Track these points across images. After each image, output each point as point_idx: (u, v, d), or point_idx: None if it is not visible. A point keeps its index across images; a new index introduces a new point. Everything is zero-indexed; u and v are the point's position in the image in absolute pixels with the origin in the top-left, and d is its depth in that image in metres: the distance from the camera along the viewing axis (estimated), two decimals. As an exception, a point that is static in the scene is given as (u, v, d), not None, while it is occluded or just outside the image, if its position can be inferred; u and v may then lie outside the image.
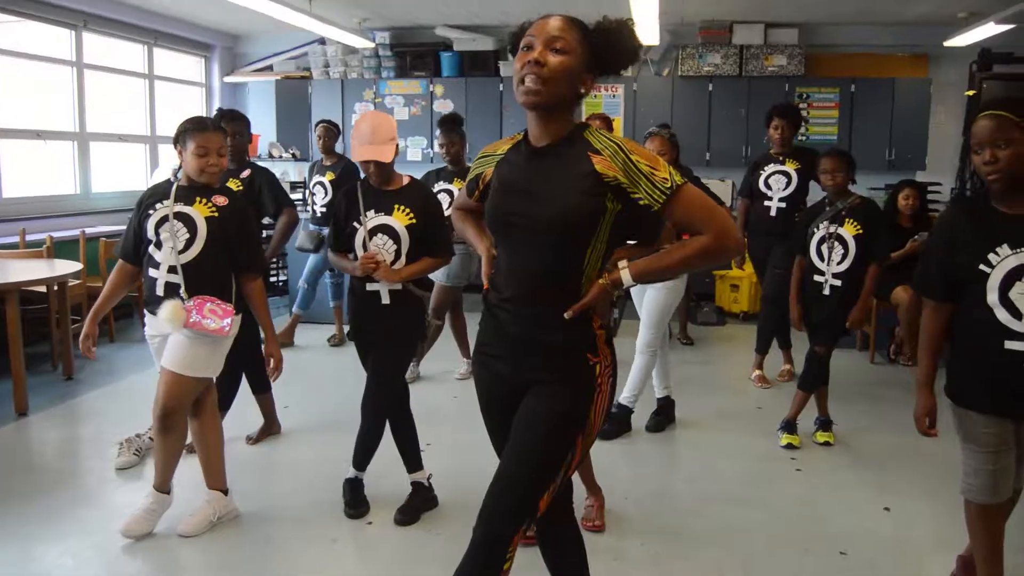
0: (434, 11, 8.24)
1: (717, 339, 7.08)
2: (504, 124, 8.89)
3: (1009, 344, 2.39)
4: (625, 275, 2.01)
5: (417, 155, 9.13)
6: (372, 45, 8.96)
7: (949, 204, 2.53)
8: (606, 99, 8.75)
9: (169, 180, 3.33)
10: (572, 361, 2.04)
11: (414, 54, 9.13)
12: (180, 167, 3.32)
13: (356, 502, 3.56)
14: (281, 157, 9.32)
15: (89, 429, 4.67)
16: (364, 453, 3.52)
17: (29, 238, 6.27)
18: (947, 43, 7.90)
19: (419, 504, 3.56)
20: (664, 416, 4.71)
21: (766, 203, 5.50)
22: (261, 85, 9.65)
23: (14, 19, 6.79)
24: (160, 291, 3.22)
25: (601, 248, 2.02)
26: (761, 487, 3.90)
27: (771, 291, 5.44)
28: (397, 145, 3.33)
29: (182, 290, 3.19)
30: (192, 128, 3.26)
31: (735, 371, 5.97)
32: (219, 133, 3.32)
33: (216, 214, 3.24)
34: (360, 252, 3.34)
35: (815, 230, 4.35)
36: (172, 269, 3.20)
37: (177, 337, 3.21)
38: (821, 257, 4.30)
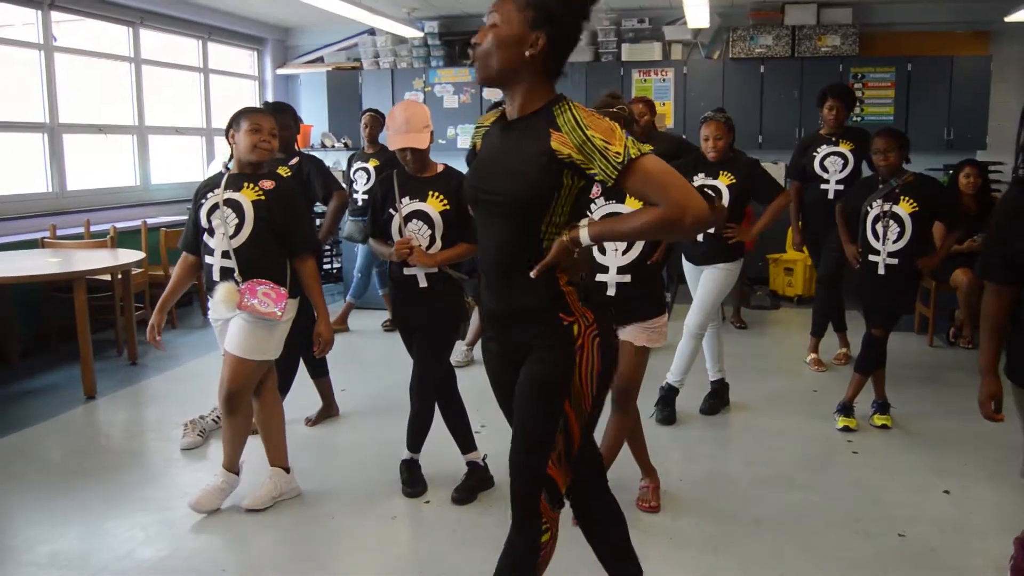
0: (482, -1, 8.27)
1: (771, 322, 7.02)
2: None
3: None
4: (583, 233, 2.00)
5: (467, 142, 9.16)
6: (421, 35, 9.02)
7: (1011, 184, 2.40)
8: (656, 83, 8.69)
9: (221, 172, 3.43)
10: (546, 323, 2.05)
11: (463, 42, 9.15)
12: (231, 158, 3.42)
13: (413, 481, 3.64)
14: (333, 147, 9.44)
15: (154, 412, 4.81)
16: (415, 436, 3.60)
17: (93, 228, 6.46)
18: (1008, 18, 7.69)
19: (475, 484, 3.62)
20: (718, 399, 4.70)
21: (823, 186, 5.39)
22: (312, 76, 9.77)
23: (74, 18, 6.98)
24: (216, 276, 3.32)
25: (560, 220, 2.03)
26: (817, 470, 3.87)
27: (827, 271, 5.39)
28: (432, 132, 3.41)
29: (236, 274, 3.29)
30: (245, 111, 3.38)
31: (790, 354, 5.92)
32: (271, 115, 3.45)
33: (263, 198, 3.32)
34: (396, 238, 3.42)
35: (868, 208, 4.30)
36: (225, 254, 3.29)
37: (237, 322, 3.30)
38: (876, 236, 4.24)
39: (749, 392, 4.89)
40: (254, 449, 3.65)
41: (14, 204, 6.35)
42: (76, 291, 4.85)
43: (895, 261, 4.19)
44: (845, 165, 5.37)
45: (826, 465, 3.93)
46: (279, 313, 3.28)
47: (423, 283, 3.42)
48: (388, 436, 4.10)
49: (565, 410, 2.04)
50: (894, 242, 4.18)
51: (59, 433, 4.45)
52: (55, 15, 6.69)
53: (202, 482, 3.57)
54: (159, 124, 7.99)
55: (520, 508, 2.10)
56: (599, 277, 3.17)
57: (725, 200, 4.26)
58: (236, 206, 3.31)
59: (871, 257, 4.28)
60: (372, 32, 9.31)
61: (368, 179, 6.30)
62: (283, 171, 4.20)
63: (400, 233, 3.42)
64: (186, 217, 3.63)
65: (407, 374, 3.57)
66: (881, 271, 4.23)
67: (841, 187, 5.34)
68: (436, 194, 3.41)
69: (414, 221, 3.41)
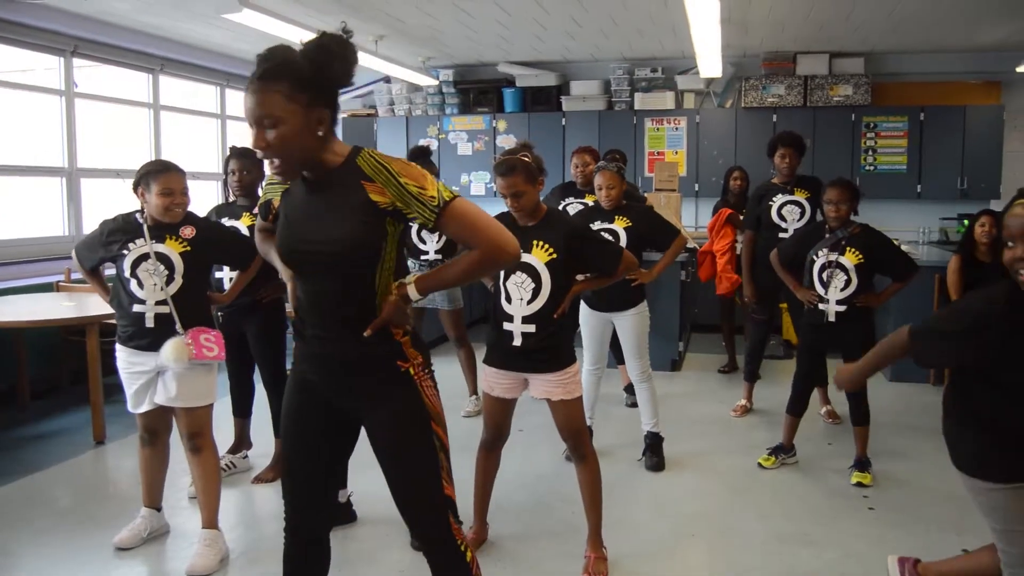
0: (497, 48, 8.36)
1: (784, 372, 6.96)
2: (566, 159, 8.93)
3: None
4: (411, 290, 2.09)
5: (481, 189, 9.23)
6: (436, 82, 9.14)
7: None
8: (669, 132, 8.76)
9: (134, 216, 3.44)
10: (386, 371, 2.14)
11: (477, 90, 9.27)
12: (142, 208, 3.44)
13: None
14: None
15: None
16: None
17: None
18: (1020, 68, 7.73)
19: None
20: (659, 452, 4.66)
21: (781, 235, 5.31)
22: (328, 123, 9.87)
23: (95, 64, 7.10)
24: (150, 323, 3.35)
25: (391, 266, 2.11)
26: (833, 526, 3.80)
27: (808, 324, 5.37)
28: None
29: (177, 324, 3.33)
30: (155, 170, 3.38)
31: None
32: (181, 174, 3.42)
33: (188, 248, 3.40)
34: None
35: (815, 257, 4.36)
36: (161, 302, 3.34)
37: (176, 375, 3.33)
38: (823, 284, 4.30)
39: (764, 443, 4.82)
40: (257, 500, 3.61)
41: (30, 247, 6.40)
42: (89, 335, 4.86)
43: (843, 308, 4.25)
44: (802, 214, 5.37)
45: (842, 521, 3.86)
46: (222, 354, 3.40)
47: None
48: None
49: (434, 430, 2.16)
50: (841, 290, 4.24)
51: (68, 478, 4.43)
52: (76, 61, 6.81)
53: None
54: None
55: (434, 538, 2.19)
56: (505, 326, 3.24)
57: (623, 244, 4.26)
58: (164, 258, 3.36)
59: (820, 306, 4.32)
60: (387, 80, 9.43)
61: None
62: (247, 219, 4.18)
63: None
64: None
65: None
66: (831, 318, 4.28)
67: None
68: None
69: None
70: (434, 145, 9.27)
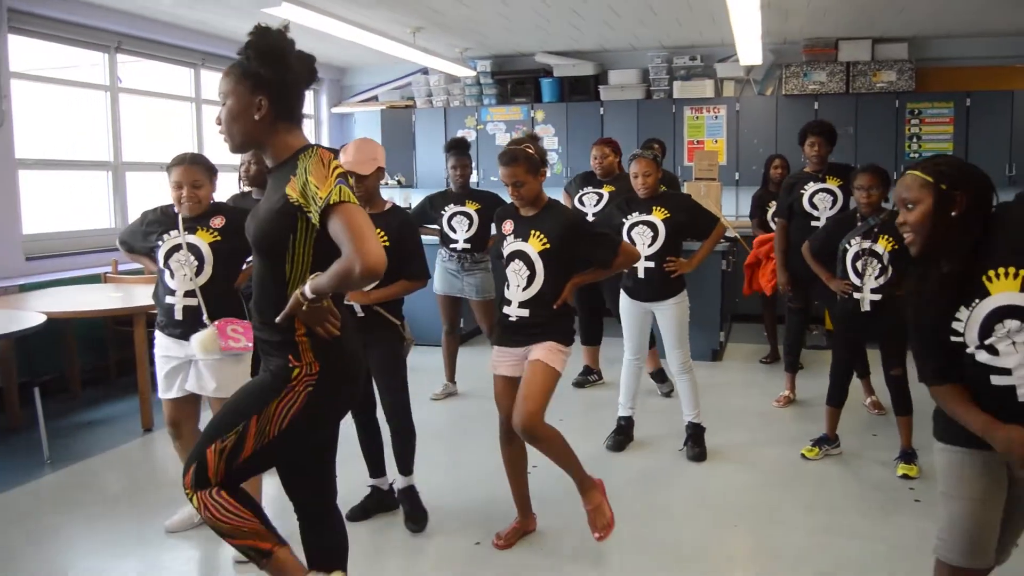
0: (534, 38, 8.35)
1: (827, 362, 6.87)
2: (605, 147, 8.91)
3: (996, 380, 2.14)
4: (306, 287, 2.14)
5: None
6: (473, 73, 9.14)
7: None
8: (708, 120, 8.68)
9: (171, 207, 3.51)
10: (276, 359, 2.25)
11: (515, 81, 9.26)
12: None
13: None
14: (387, 184, 9.55)
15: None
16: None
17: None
18: (1070, 53, 7.55)
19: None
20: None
21: (813, 223, 5.27)
22: (367, 115, 9.94)
23: (138, 59, 7.20)
24: (179, 315, 3.41)
25: (304, 262, 2.20)
26: (879, 518, 3.75)
27: (842, 314, 5.30)
28: (381, 168, 3.56)
29: (204, 315, 3.38)
30: (171, 163, 3.48)
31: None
32: (194, 167, 3.45)
33: (219, 238, 3.43)
34: None
35: (848, 246, 4.30)
36: (189, 294, 3.39)
37: (208, 364, 3.39)
38: (857, 274, 4.24)
39: (803, 434, 4.77)
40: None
41: (78, 239, 6.53)
42: (136, 325, 4.96)
43: (878, 297, 4.17)
44: (835, 202, 5.29)
45: (889, 514, 3.81)
46: (250, 345, 3.38)
47: (360, 313, 3.49)
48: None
49: (248, 422, 2.22)
50: (876, 278, 4.17)
51: (117, 465, 4.53)
52: (120, 57, 6.92)
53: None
54: (217, 162, 8.15)
55: (186, 466, 2.31)
56: (505, 309, 3.38)
57: (662, 235, 4.34)
58: (195, 249, 3.41)
59: (855, 295, 4.25)
60: (425, 71, 9.45)
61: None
62: None
63: None
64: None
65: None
66: (866, 308, 4.21)
67: None
68: (378, 231, 3.41)
69: None
70: (472, 136, 9.29)
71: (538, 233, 3.31)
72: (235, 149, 2.30)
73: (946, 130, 8.16)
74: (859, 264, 4.23)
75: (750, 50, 7.42)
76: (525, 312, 3.31)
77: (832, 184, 5.31)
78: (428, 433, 4.95)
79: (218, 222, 3.47)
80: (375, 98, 9.96)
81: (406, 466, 3.73)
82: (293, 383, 2.22)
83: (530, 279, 3.30)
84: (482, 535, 3.57)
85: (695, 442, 4.55)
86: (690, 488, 4.14)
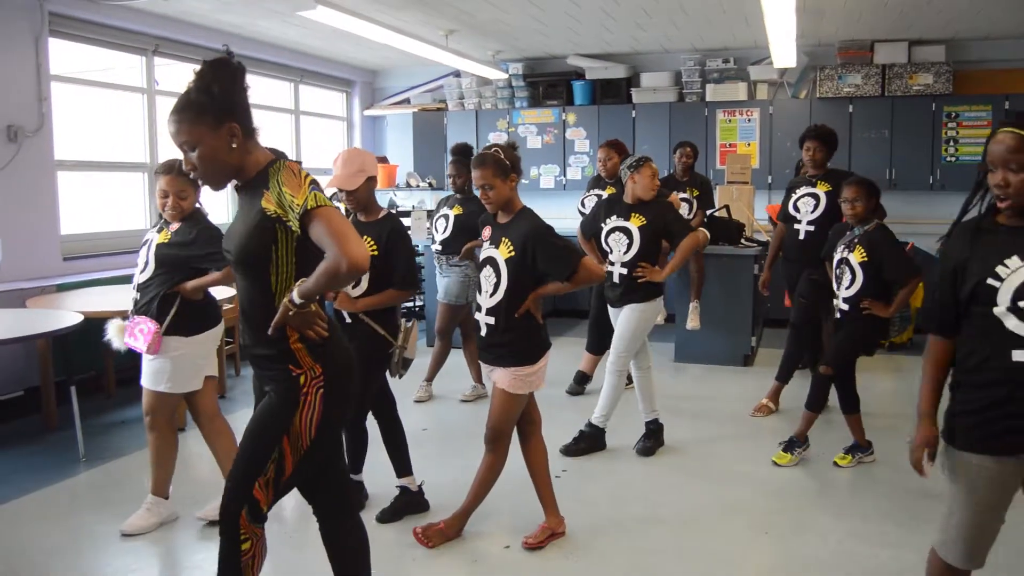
0: (566, 41, 8.35)
1: (861, 369, 6.80)
2: (637, 150, 8.88)
3: (1017, 355, 2.15)
4: (294, 294, 2.19)
5: (550, 183, 9.23)
6: (505, 76, 9.16)
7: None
8: (741, 123, 8.62)
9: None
10: (276, 372, 2.31)
11: (547, 84, 9.26)
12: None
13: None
14: (418, 186, 9.60)
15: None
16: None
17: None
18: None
19: (402, 506, 3.83)
20: (653, 440, 4.71)
21: (795, 226, 5.34)
22: (399, 117, 10.00)
23: (173, 62, 7.30)
24: (132, 307, 3.64)
25: (288, 271, 2.26)
26: (912, 527, 3.68)
27: (796, 319, 5.36)
28: (372, 178, 3.58)
29: (131, 309, 3.61)
30: (158, 170, 3.61)
31: (879, 403, 5.72)
32: (180, 178, 3.50)
33: (167, 239, 3.56)
34: None
35: (835, 253, 4.39)
36: (140, 286, 3.60)
37: (143, 357, 3.60)
38: (837, 282, 4.33)
39: (834, 442, 4.71)
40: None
41: (115, 240, 6.62)
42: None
43: (846, 307, 4.27)
44: (816, 206, 5.27)
45: (922, 522, 3.75)
46: (144, 349, 3.53)
47: (347, 319, 3.56)
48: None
49: (282, 445, 2.28)
50: (847, 288, 4.25)
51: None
52: (157, 60, 7.02)
53: (285, 516, 3.62)
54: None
55: (224, 514, 2.36)
56: (477, 315, 3.42)
57: (636, 241, 4.42)
58: (149, 247, 3.61)
59: (835, 301, 4.36)
60: (457, 74, 9.48)
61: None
62: None
63: None
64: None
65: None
66: (837, 315, 4.35)
67: (812, 228, 5.27)
68: (367, 238, 3.52)
69: None
70: (504, 139, 9.30)
71: (507, 241, 3.34)
72: (220, 187, 2.31)
73: (984, 133, 7.98)
74: (838, 272, 4.32)
75: (784, 52, 7.36)
76: (491, 319, 3.34)
77: (820, 189, 5.29)
78: (462, 433, 4.97)
79: (174, 227, 3.60)
80: (407, 101, 10.01)
81: (400, 467, 3.85)
82: (305, 391, 2.28)
83: (496, 286, 3.33)
84: (512, 539, 3.58)
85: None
86: (720, 495, 4.11)
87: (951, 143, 8.10)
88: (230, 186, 2.35)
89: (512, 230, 3.35)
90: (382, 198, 9.26)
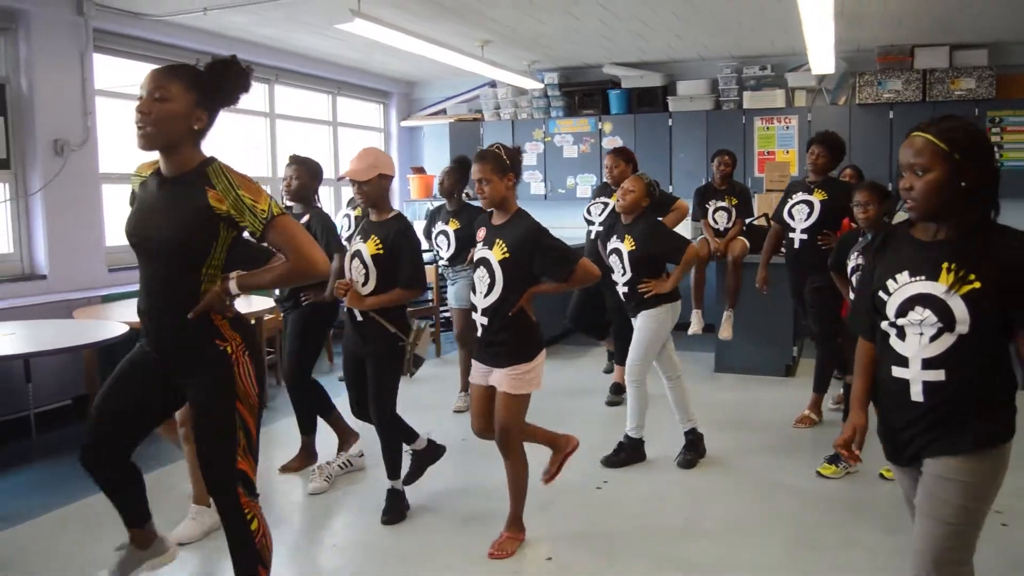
0: (602, 50, 8.34)
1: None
2: (674, 159, 8.85)
3: (896, 371, 2.20)
4: (232, 284, 2.43)
5: (586, 192, 9.21)
6: (541, 86, 9.17)
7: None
8: (779, 131, 8.55)
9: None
10: (204, 349, 2.46)
11: (582, 93, 9.26)
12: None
13: (396, 509, 3.90)
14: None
15: (283, 455, 4.91)
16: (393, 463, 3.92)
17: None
18: None
19: (402, 507, 3.93)
20: (694, 451, 4.66)
21: (790, 234, 5.28)
22: (435, 128, 10.05)
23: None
24: None
25: (218, 263, 2.44)
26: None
27: (816, 328, 5.28)
28: (384, 176, 3.72)
29: None
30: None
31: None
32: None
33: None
34: (347, 273, 3.78)
35: (848, 260, 4.30)
36: None
37: None
38: (853, 288, 4.21)
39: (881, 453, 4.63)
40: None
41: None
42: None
43: None
44: (810, 214, 5.19)
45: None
46: None
47: (359, 317, 3.73)
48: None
49: (238, 409, 2.47)
50: None
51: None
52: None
53: (328, 526, 3.63)
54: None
55: (221, 501, 2.52)
56: (473, 315, 3.48)
57: (627, 264, 4.45)
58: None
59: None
60: (493, 84, 9.52)
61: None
62: None
63: (349, 269, 3.76)
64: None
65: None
66: None
67: (805, 236, 5.20)
68: (375, 238, 3.66)
69: (355, 260, 3.73)
70: (539, 148, 9.33)
71: (501, 242, 3.40)
72: (150, 147, 2.38)
73: (1029, 139, 7.89)
74: (855, 279, 4.22)
75: (822, 59, 7.29)
76: (485, 320, 3.41)
77: (816, 197, 5.21)
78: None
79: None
80: (443, 111, 10.06)
81: (392, 471, 3.91)
82: (233, 357, 2.48)
83: (490, 287, 3.39)
84: (554, 549, 3.57)
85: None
86: (763, 506, 4.07)
87: (996, 148, 7.97)
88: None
89: (507, 232, 3.42)
90: (421, 209, 9.32)
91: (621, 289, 4.56)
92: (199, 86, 2.38)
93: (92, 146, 6.01)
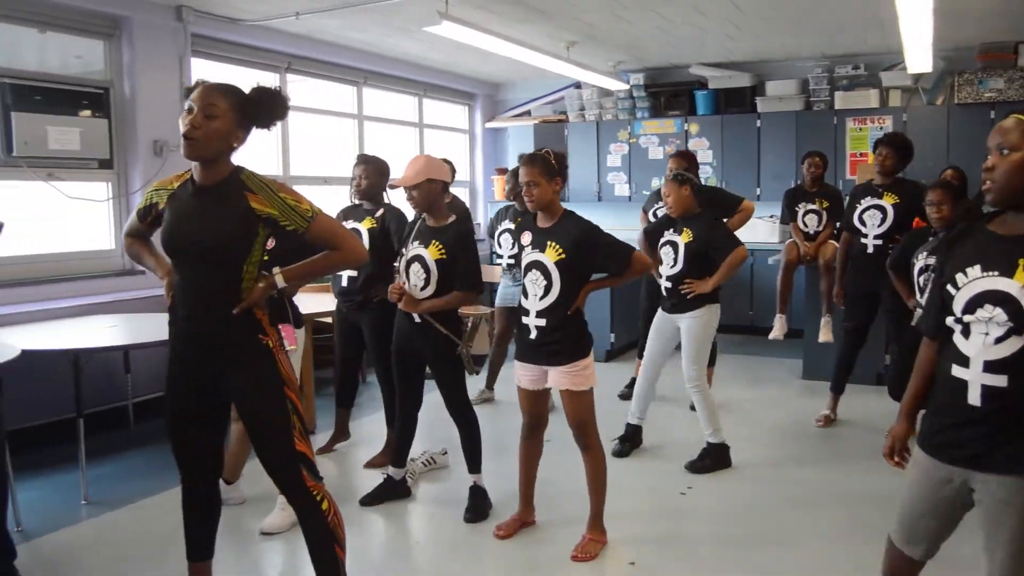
0: (689, 50, 8.24)
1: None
2: (762, 161, 8.68)
3: (956, 370, 2.06)
4: (278, 278, 2.63)
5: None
6: (627, 87, 9.11)
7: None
8: (872, 132, 8.29)
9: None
10: (250, 344, 2.61)
11: (668, 94, 9.16)
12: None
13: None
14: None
15: (364, 452, 4.99)
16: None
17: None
18: None
19: (483, 503, 4.00)
20: (712, 460, 4.62)
21: (862, 240, 5.13)
22: (520, 130, 10.08)
23: (305, 79, 7.58)
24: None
25: (257, 260, 2.60)
26: None
27: (894, 334, 5.18)
28: (433, 181, 3.81)
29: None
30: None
31: None
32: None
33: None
34: (401, 277, 3.87)
35: (915, 260, 4.16)
36: None
37: None
38: (920, 290, 4.11)
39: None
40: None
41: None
42: (304, 332, 5.18)
43: None
44: (884, 219, 5.04)
45: None
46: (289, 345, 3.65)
47: (417, 319, 3.83)
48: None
49: (287, 395, 2.61)
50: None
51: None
52: (289, 76, 7.30)
53: (409, 523, 3.68)
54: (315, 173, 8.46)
55: (291, 490, 2.65)
56: (524, 320, 3.51)
57: (681, 256, 4.48)
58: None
59: (918, 309, 4.07)
60: (578, 85, 9.49)
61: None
62: (368, 222, 4.46)
63: (406, 273, 3.84)
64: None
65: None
66: (915, 322, 4.10)
67: (880, 242, 5.06)
68: (436, 243, 3.79)
69: (415, 265, 3.81)
70: (624, 150, 9.27)
71: (554, 243, 3.43)
72: (195, 157, 2.53)
73: None
74: (922, 280, 4.09)
75: (920, 57, 7.06)
76: (542, 322, 3.43)
77: (887, 201, 5.08)
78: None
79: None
80: (528, 113, 10.08)
81: (473, 465, 3.99)
82: (274, 353, 2.64)
83: (547, 289, 3.42)
84: (636, 554, 3.54)
85: (704, 455, 4.58)
86: (856, 516, 3.95)
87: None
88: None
89: (558, 232, 3.46)
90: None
91: (665, 284, 4.58)
92: (243, 109, 2.55)
93: (189, 147, 6.20)
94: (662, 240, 4.63)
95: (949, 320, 2.10)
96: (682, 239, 4.49)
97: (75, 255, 5.61)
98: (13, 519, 3.74)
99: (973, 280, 2.04)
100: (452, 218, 3.89)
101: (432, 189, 3.82)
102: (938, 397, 2.19)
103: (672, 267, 4.54)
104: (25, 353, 3.78)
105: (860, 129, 8.38)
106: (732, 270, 4.49)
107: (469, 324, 3.92)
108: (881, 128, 8.27)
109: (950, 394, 2.10)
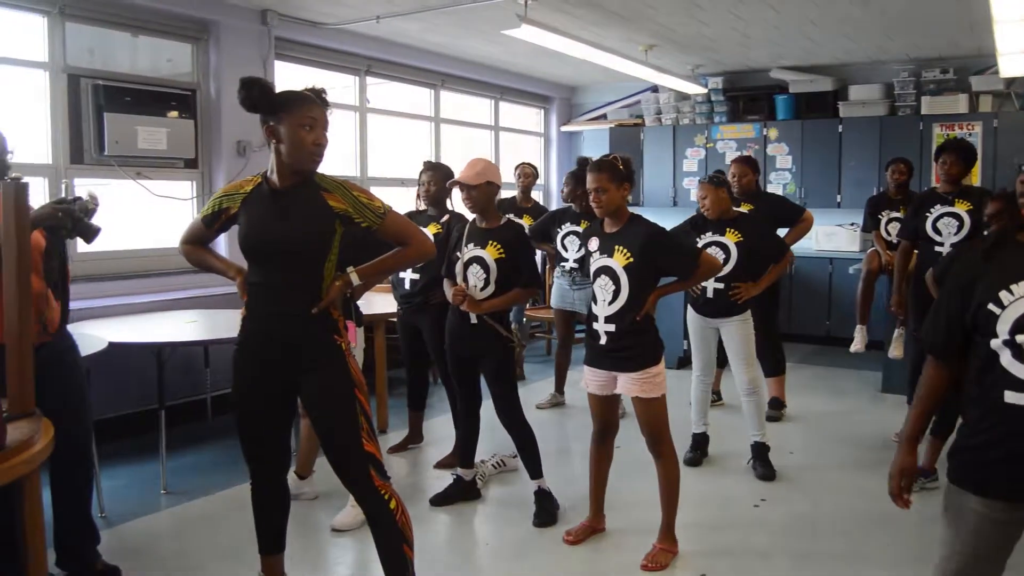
0: (769, 53, 8.10)
1: None
2: (843, 167, 8.48)
3: (1009, 397, 1.88)
4: (354, 276, 2.70)
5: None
6: (704, 91, 9.00)
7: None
8: (959, 136, 8.02)
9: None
10: (326, 344, 2.67)
11: (747, 97, 9.01)
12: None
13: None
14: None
15: (434, 452, 5.02)
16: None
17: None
18: None
19: (550, 507, 3.98)
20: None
21: (936, 248, 4.89)
22: (595, 133, 10.04)
23: (383, 81, 7.68)
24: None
25: (335, 258, 2.68)
26: None
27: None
28: (491, 184, 3.88)
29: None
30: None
31: None
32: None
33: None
34: (459, 280, 3.89)
35: None
36: None
37: None
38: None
39: None
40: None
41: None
42: (376, 331, 5.25)
43: None
44: (960, 227, 4.84)
45: None
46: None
47: (473, 320, 3.86)
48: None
49: (357, 396, 2.66)
50: None
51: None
52: (368, 79, 7.41)
53: (480, 526, 3.69)
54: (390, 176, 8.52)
55: (360, 489, 2.68)
56: (594, 325, 3.49)
57: (733, 257, 4.41)
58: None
59: None
60: (655, 89, 9.42)
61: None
62: (433, 227, 4.49)
63: (465, 277, 3.87)
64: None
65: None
66: None
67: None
68: (495, 243, 3.84)
69: (474, 266, 3.85)
70: (701, 154, 9.16)
71: (622, 248, 3.41)
72: (314, 169, 2.68)
73: None
74: None
75: (1013, 61, 6.80)
76: (611, 327, 3.41)
77: (960, 208, 4.89)
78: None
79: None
80: (604, 116, 10.04)
81: (533, 470, 3.99)
82: (346, 354, 2.69)
83: (615, 293, 3.40)
84: (707, 566, 3.48)
85: (761, 461, 4.54)
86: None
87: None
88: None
89: (626, 237, 3.43)
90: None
91: (716, 285, 4.44)
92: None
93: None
94: (700, 244, 4.50)
95: (994, 343, 1.92)
96: (730, 239, 4.43)
97: (157, 251, 5.78)
98: (97, 506, 3.88)
99: (1021, 298, 1.90)
100: (505, 218, 3.98)
101: (490, 191, 3.90)
102: (985, 429, 1.99)
103: (724, 267, 4.43)
104: (112, 346, 3.92)
105: (947, 135, 8.09)
106: (781, 272, 4.56)
107: (516, 329, 4.04)
108: (970, 134, 8.00)
109: (1007, 423, 1.92)
